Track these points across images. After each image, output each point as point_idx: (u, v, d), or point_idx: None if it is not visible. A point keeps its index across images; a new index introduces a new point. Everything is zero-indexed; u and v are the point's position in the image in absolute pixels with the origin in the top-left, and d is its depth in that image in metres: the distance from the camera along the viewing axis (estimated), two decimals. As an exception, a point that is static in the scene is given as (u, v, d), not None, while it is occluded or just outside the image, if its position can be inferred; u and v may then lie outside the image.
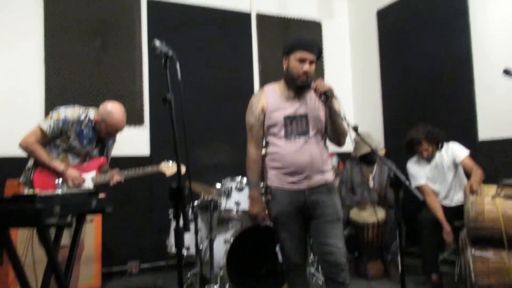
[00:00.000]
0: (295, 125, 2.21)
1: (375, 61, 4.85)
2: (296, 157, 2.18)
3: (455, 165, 3.27)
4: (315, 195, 2.20)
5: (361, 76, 5.15)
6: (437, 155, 3.33)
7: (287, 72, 2.23)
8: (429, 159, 3.34)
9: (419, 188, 3.34)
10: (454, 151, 3.26)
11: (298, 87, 2.21)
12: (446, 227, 3.12)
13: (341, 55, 5.29)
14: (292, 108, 2.22)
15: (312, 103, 2.24)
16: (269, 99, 2.26)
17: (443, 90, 3.99)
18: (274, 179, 2.26)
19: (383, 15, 4.76)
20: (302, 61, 2.16)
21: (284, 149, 2.20)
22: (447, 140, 3.32)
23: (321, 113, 2.24)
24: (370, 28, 4.91)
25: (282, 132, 2.21)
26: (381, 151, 3.67)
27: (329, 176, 2.27)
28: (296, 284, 2.33)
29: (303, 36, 2.42)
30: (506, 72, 2.63)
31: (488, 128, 3.61)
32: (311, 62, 2.18)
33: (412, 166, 3.44)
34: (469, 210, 2.75)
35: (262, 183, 2.37)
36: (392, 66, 4.63)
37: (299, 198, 2.20)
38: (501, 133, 3.51)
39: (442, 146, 3.31)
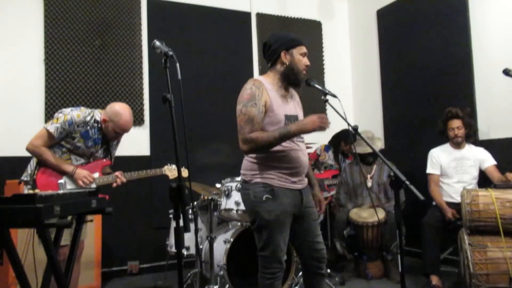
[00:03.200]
0: None
1: (375, 61, 4.85)
2: (301, 158, 2.18)
3: (479, 167, 3.37)
4: (305, 195, 2.25)
5: (361, 76, 5.15)
6: (466, 148, 3.43)
7: (289, 67, 2.16)
8: (456, 143, 3.40)
9: (430, 176, 3.49)
10: (484, 155, 3.37)
11: (296, 82, 2.20)
12: (447, 209, 3.25)
13: (341, 55, 5.28)
14: (288, 107, 2.20)
15: (297, 105, 2.30)
16: (271, 95, 2.14)
17: (443, 90, 3.99)
18: (275, 178, 2.14)
19: (383, 15, 4.76)
20: (304, 55, 2.20)
21: (291, 149, 2.15)
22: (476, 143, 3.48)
23: (302, 116, 2.30)
24: (370, 28, 4.91)
25: None
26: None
27: None
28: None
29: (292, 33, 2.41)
30: (506, 72, 2.64)
31: (488, 128, 3.61)
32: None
33: (434, 154, 3.53)
34: (464, 196, 2.89)
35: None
36: (392, 66, 4.63)
37: (298, 198, 2.20)
38: (500, 133, 3.52)
39: (470, 138, 3.42)
